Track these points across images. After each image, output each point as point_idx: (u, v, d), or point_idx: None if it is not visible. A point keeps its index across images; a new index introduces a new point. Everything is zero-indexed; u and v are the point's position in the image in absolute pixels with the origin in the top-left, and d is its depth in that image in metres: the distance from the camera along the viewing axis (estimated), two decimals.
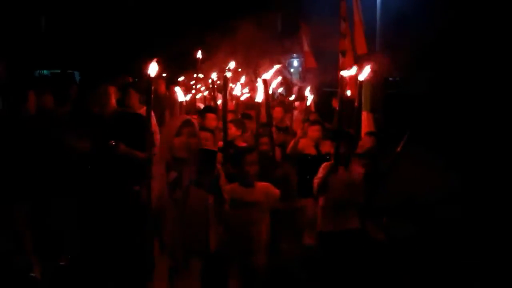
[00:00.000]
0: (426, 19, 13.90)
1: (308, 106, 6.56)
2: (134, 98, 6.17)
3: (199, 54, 6.15)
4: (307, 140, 5.49)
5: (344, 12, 5.96)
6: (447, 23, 13.70)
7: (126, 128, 4.26)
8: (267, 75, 4.11)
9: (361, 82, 4.04)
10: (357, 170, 4.33)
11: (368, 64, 4.29)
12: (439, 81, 12.86)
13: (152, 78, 2.98)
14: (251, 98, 8.36)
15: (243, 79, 8.85)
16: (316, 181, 4.28)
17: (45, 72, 21.80)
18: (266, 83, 3.92)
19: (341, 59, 5.98)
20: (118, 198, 4.12)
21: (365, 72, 4.07)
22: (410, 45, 13.69)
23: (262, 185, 3.84)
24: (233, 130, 5.35)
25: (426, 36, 13.63)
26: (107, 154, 4.05)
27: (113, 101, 4.36)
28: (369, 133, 4.94)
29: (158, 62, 3.07)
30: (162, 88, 8.72)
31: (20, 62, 18.73)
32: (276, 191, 3.83)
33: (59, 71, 22.46)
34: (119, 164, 4.10)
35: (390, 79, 24.45)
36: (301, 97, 7.78)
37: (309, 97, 6.21)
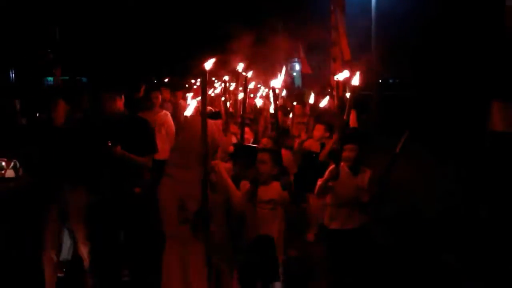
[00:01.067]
0: (420, 22, 14.42)
1: (305, 109, 6.95)
2: (157, 100, 6.43)
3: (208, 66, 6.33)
4: (313, 139, 5.66)
5: (334, 22, 6.50)
6: (440, 26, 14.20)
7: (127, 132, 4.31)
8: (276, 83, 4.05)
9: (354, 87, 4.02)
10: (366, 172, 4.30)
11: (358, 71, 4.50)
12: (432, 83, 13.29)
13: (206, 72, 2.96)
14: (251, 101, 8.81)
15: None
16: (319, 182, 4.22)
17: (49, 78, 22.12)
18: (274, 91, 3.87)
19: (332, 65, 6.53)
20: (118, 198, 4.23)
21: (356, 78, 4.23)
22: (404, 48, 14.24)
23: (277, 184, 3.83)
24: (246, 134, 5.39)
25: (420, 39, 14.15)
26: (105, 154, 4.15)
27: (117, 106, 4.42)
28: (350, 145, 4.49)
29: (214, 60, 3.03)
30: (166, 94, 8.64)
31: (31, 69, 19.28)
32: (285, 193, 3.81)
33: (67, 77, 22.91)
34: (118, 167, 4.17)
35: (390, 81, 24.80)
36: (302, 101, 8.13)
37: (310, 100, 6.57)
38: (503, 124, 3.55)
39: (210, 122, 2.99)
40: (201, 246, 2.89)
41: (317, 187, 4.20)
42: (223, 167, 3.26)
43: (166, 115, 6.53)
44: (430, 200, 6.06)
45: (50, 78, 22.27)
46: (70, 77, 21.52)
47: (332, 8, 6.36)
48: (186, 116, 4.11)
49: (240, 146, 3.63)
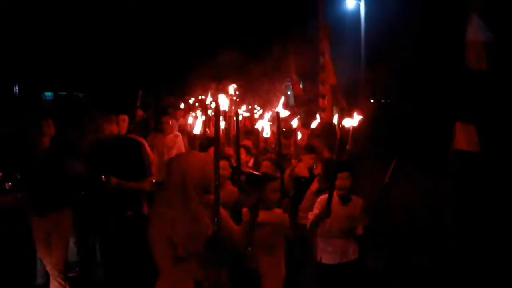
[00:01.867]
0: (409, 44, 15.17)
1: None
2: (168, 125, 6.62)
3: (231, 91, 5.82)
4: (303, 164, 5.73)
5: (322, 48, 7.06)
6: (428, 49, 14.92)
7: (123, 155, 4.34)
8: (280, 109, 3.96)
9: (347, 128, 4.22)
10: (357, 201, 4.19)
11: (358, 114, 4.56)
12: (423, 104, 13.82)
13: (222, 112, 2.96)
14: (249, 123, 9.18)
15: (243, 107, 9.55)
16: (310, 216, 4.10)
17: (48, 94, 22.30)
18: (278, 116, 3.81)
19: (320, 88, 7.06)
20: (112, 222, 4.30)
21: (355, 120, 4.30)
22: (393, 69, 14.93)
23: (278, 210, 3.77)
24: (243, 156, 5.44)
25: (408, 61, 14.87)
26: (99, 186, 4.16)
27: (113, 129, 4.44)
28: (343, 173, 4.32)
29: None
30: (180, 116, 9.02)
31: (31, 84, 19.61)
32: (286, 215, 3.73)
33: (65, 93, 23.18)
34: (111, 191, 4.20)
35: (382, 101, 25.56)
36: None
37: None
38: (465, 143, 4.07)
39: (202, 156, 2.96)
40: (192, 285, 2.78)
41: (309, 221, 4.07)
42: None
43: (177, 136, 6.71)
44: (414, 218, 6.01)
45: (49, 94, 22.62)
46: (68, 92, 21.84)
47: (320, 36, 6.93)
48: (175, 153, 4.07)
49: (248, 174, 3.54)
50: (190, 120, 7.33)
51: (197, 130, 4.20)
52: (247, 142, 6.33)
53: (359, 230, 4.08)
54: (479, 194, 4.09)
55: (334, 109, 6.05)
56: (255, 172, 3.61)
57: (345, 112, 5.72)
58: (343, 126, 3.70)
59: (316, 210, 4.11)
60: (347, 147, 5.25)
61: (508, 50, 4.08)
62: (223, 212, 3.00)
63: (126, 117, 4.73)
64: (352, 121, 3.87)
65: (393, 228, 5.35)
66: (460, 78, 4.19)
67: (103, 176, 4.11)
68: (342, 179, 4.07)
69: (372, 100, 20.84)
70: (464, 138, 4.05)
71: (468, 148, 4.04)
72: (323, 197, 4.04)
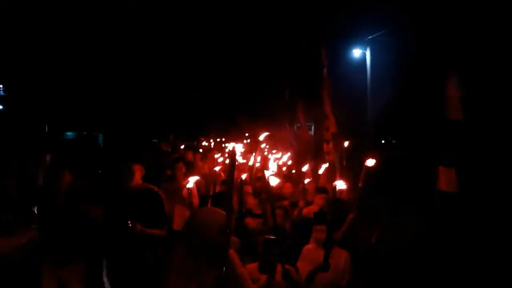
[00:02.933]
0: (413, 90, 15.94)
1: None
2: (180, 172, 6.53)
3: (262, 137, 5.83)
4: (314, 206, 5.78)
5: (325, 99, 7.72)
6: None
7: (144, 204, 4.64)
8: (274, 181, 4.08)
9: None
10: (341, 253, 4.24)
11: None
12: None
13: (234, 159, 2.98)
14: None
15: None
16: (301, 269, 4.11)
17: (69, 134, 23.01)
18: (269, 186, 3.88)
19: (324, 133, 7.67)
20: (132, 264, 4.55)
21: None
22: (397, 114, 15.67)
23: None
24: (250, 199, 5.64)
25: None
26: (125, 232, 4.43)
27: (137, 177, 4.74)
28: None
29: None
30: (190, 156, 8.61)
31: (57, 124, 20.32)
32: (283, 282, 3.63)
33: (85, 133, 23.86)
34: (134, 236, 4.51)
35: (394, 141, 26.00)
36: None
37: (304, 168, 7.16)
38: (447, 184, 4.63)
39: (219, 213, 2.80)
40: None
41: (306, 276, 4.04)
42: (237, 258, 2.94)
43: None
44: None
45: (70, 133, 23.41)
46: (88, 132, 22.60)
47: (324, 87, 7.62)
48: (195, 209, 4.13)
49: (265, 240, 3.52)
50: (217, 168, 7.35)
51: (190, 184, 4.22)
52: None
53: (343, 282, 4.15)
54: (459, 232, 4.59)
55: (335, 155, 6.65)
56: (271, 237, 3.54)
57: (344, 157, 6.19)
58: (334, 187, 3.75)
59: (303, 261, 4.16)
60: (359, 184, 5.38)
61: (479, 103, 4.72)
62: (242, 270, 2.90)
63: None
64: (343, 184, 4.04)
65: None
66: (442, 127, 4.81)
67: (129, 222, 4.45)
68: (318, 232, 4.22)
69: (383, 141, 21.36)
70: (445, 180, 4.62)
71: (447, 189, 4.61)
72: (308, 247, 4.20)
